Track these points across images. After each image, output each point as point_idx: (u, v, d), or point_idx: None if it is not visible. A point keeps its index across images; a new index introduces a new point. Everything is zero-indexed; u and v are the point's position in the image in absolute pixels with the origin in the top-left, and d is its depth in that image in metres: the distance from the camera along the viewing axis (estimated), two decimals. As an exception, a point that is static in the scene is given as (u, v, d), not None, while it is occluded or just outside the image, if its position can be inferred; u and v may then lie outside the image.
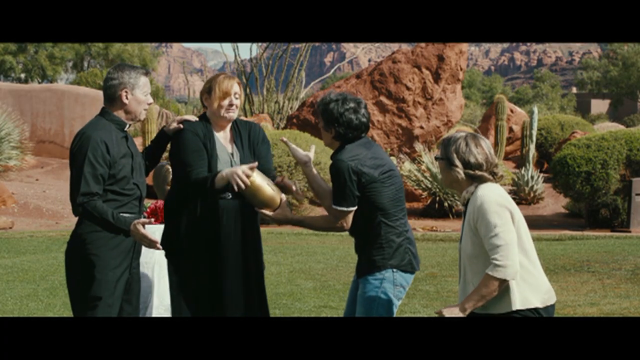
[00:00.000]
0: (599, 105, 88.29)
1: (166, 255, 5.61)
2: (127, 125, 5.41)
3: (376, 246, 5.38)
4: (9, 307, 9.61)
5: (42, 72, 56.37)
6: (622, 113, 78.09)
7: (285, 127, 25.73)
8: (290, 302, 9.85)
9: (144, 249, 5.62)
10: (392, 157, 22.53)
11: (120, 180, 5.27)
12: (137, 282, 5.47)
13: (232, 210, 5.53)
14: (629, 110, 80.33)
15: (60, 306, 9.61)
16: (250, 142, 5.68)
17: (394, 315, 5.43)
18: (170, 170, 6.03)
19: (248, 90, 30.69)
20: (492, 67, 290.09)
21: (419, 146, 22.12)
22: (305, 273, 11.89)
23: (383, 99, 23.92)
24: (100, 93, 28.55)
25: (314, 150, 5.71)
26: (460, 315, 4.61)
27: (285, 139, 5.58)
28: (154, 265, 7.01)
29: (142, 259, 6.08)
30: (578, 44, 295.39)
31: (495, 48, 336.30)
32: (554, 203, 22.09)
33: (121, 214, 5.21)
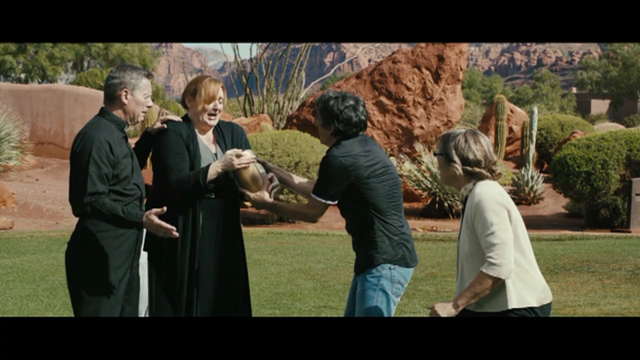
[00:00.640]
0: (599, 106, 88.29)
1: (149, 258, 5.61)
2: (127, 126, 5.41)
3: (371, 242, 5.41)
4: (9, 307, 9.61)
5: (42, 72, 56.38)
6: (622, 113, 78.09)
7: (285, 127, 25.72)
8: (290, 302, 9.85)
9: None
10: (392, 157, 22.54)
11: (123, 180, 5.27)
12: (137, 283, 5.47)
13: (214, 210, 5.56)
14: (629, 111, 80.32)
15: (60, 306, 9.61)
16: (234, 143, 5.71)
17: (393, 312, 5.45)
18: None
19: (248, 90, 30.68)
20: (492, 67, 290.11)
21: (419, 146, 22.11)
22: (305, 273, 11.88)
23: (383, 99, 23.92)
24: (101, 93, 28.56)
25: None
26: (453, 311, 4.60)
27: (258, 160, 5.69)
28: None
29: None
30: (578, 44, 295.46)
31: (495, 48, 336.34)
32: (554, 203, 22.08)
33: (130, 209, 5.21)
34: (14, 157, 24.15)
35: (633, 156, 18.76)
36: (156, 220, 5.08)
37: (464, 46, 24.80)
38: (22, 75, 57.05)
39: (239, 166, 5.48)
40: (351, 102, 5.46)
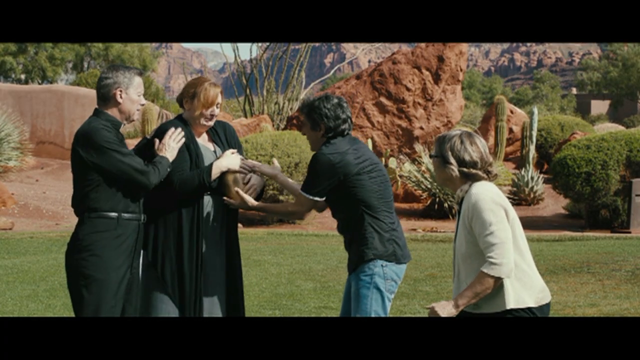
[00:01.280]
0: (599, 106, 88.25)
1: (149, 259, 5.58)
2: (122, 125, 5.43)
3: (361, 239, 5.45)
4: (9, 307, 9.61)
5: (42, 73, 56.33)
6: (622, 114, 78.06)
7: (285, 128, 25.73)
8: (290, 303, 9.85)
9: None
10: (392, 158, 22.55)
11: None
12: (137, 283, 5.47)
13: (213, 207, 5.57)
14: (629, 111, 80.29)
15: (60, 307, 9.61)
16: (228, 142, 5.74)
17: (388, 310, 5.46)
18: None
19: (248, 91, 30.68)
20: (492, 68, 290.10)
21: (418, 147, 22.11)
22: (305, 274, 11.88)
23: (383, 99, 23.92)
24: (100, 94, 28.59)
25: (276, 163, 5.91)
26: (453, 311, 4.60)
27: (243, 159, 5.70)
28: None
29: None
30: (578, 45, 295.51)
31: (495, 49, 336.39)
32: (554, 204, 22.08)
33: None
34: (14, 157, 24.14)
35: (633, 157, 18.76)
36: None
37: (464, 47, 24.81)
38: (22, 76, 57.01)
39: (242, 166, 5.54)
40: (335, 100, 5.56)
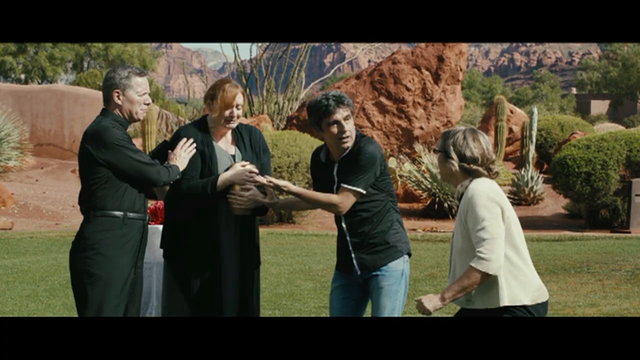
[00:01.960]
0: (599, 106, 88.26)
1: (164, 256, 5.61)
2: (128, 125, 5.45)
3: (394, 231, 5.43)
4: (9, 307, 9.61)
5: (42, 73, 56.33)
6: (622, 114, 78.06)
7: (285, 128, 25.73)
8: (290, 303, 9.85)
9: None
10: (391, 158, 22.56)
11: None
12: (141, 282, 5.49)
13: (229, 212, 5.54)
14: (628, 111, 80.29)
15: (60, 307, 9.61)
16: (252, 146, 5.67)
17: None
18: None
19: (248, 91, 30.67)
20: (492, 68, 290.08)
21: (418, 147, 22.11)
22: (305, 274, 11.88)
23: (383, 99, 23.92)
24: (100, 94, 28.59)
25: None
26: (439, 304, 4.61)
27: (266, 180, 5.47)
28: (154, 265, 7.01)
29: None
30: (578, 45, 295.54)
31: (495, 49, 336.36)
32: (553, 204, 22.08)
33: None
34: (14, 157, 24.15)
35: (633, 157, 18.76)
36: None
37: (464, 47, 24.81)
38: (22, 76, 57.01)
39: (250, 181, 5.45)
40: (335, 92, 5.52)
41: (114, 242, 5.26)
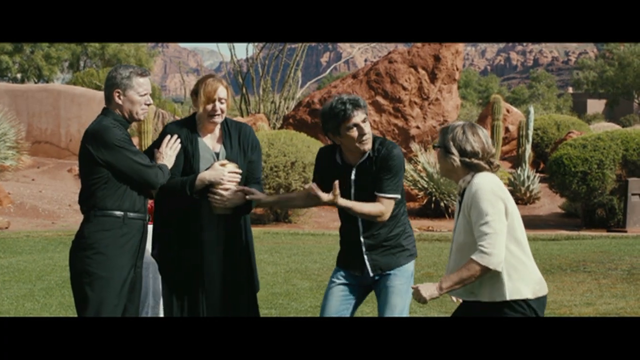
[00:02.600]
0: (595, 105, 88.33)
1: (152, 255, 5.63)
2: (129, 125, 5.45)
3: (407, 234, 5.51)
4: (5, 307, 9.60)
5: (38, 72, 56.31)
6: (618, 113, 78.13)
7: (281, 127, 25.72)
8: (286, 302, 9.85)
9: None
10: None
11: None
12: (140, 282, 5.49)
13: (211, 210, 5.54)
14: (625, 110, 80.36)
15: (56, 306, 9.60)
16: (240, 143, 5.64)
17: None
18: None
19: (244, 90, 30.66)
20: (489, 67, 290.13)
21: (415, 146, 22.12)
22: (302, 273, 11.88)
23: (379, 99, 23.92)
24: (97, 93, 28.59)
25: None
26: (436, 293, 4.62)
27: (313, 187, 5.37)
28: (150, 265, 7.01)
29: None
30: (574, 44, 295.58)
31: (492, 48, 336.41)
32: (550, 203, 22.10)
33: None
34: (10, 157, 24.14)
35: (629, 156, 18.78)
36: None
37: (460, 46, 24.81)
38: (18, 75, 56.99)
39: (229, 181, 5.45)
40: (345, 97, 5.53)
41: (114, 242, 5.26)
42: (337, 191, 5.21)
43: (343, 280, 5.55)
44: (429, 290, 4.64)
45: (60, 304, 9.68)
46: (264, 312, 9.29)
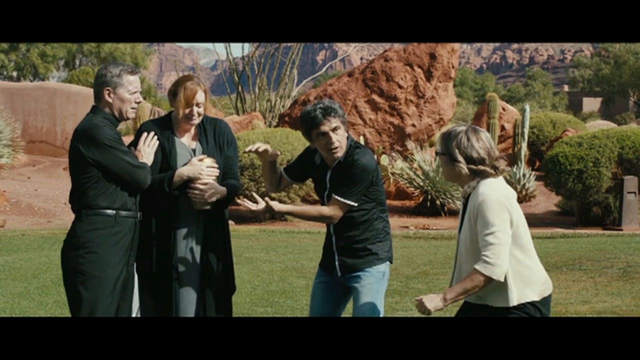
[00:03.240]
0: (591, 104, 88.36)
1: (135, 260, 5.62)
2: (118, 123, 5.43)
3: (377, 240, 5.49)
4: (1, 305, 9.59)
5: (34, 70, 56.22)
6: (614, 111, 78.19)
7: (277, 125, 25.72)
8: (282, 300, 9.85)
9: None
10: (384, 155, 22.57)
11: None
12: (132, 280, 5.48)
13: (190, 206, 5.54)
14: (620, 109, 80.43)
15: (52, 304, 9.60)
16: (216, 139, 5.65)
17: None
18: None
19: (240, 88, 30.66)
20: (484, 65, 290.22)
21: (410, 144, 22.12)
22: (297, 271, 11.88)
23: (375, 97, 23.91)
24: (92, 91, 28.60)
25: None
26: (440, 305, 4.62)
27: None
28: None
29: None
30: (570, 42, 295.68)
31: (487, 46, 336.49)
32: (545, 201, 22.11)
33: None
34: (6, 155, 24.13)
35: (625, 154, 18.79)
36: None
37: (456, 44, 24.81)
38: (14, 73, 56.89)
39: (207, 176, 5.45)
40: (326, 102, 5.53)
41: (106, 241, 5.24)
42: (269, 202, 5.27)
43: (323, 279, 5.64)
44: (433, 301, 4.63)
45: (56, 302, 9.67)
46: (259, 310, 9.30)
